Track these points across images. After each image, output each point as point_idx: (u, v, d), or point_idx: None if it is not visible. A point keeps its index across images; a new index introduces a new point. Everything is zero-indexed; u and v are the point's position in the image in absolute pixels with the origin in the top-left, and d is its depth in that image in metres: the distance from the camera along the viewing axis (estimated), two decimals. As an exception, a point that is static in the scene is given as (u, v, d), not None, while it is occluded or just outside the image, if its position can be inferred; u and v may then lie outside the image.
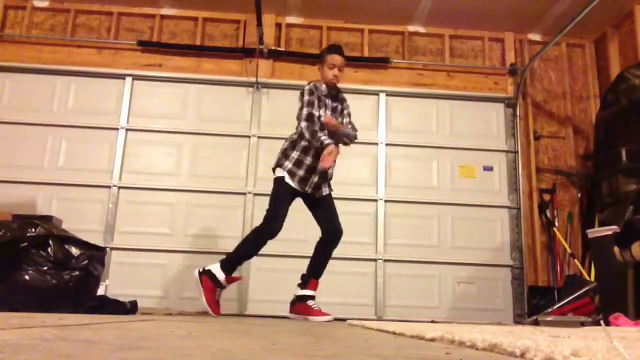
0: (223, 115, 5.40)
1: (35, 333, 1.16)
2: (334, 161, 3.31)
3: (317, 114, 3.44)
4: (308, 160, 3.49)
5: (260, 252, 5.10)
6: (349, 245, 5.17)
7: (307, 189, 3.52)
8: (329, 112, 3.54)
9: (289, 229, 5.03)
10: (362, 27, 5.72)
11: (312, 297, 3.53)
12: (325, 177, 3.62)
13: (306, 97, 3.47)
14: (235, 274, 3.58)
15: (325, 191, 3.63)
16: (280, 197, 3.50)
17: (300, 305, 3.53)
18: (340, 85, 5.35)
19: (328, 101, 3.57)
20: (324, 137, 3.32)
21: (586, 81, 5.78)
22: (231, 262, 3.53)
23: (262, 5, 4.97)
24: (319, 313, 3.46)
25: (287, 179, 3.48)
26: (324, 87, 3.57)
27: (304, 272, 3.62)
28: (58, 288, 2.86)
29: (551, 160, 5.58)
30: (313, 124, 3.39)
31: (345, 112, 3.70)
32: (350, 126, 3.66)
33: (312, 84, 3.57)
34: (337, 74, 3.51)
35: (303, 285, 3.56)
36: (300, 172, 3.48)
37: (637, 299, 3.02)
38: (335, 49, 3.62)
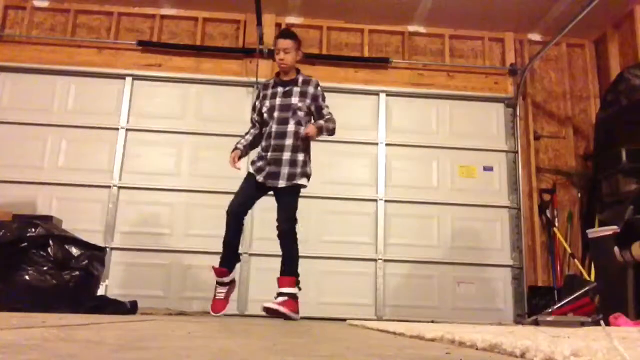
0: (223, 115, 5.40)
1: (35, 333, 1.16)
2: (234, 162, 3.66)
3: (255, 117, 3.75)
4: (262, 151, 3.65)
5: (260, 252, 5.13)
6: (349, 245, 5.18)
7: (259, 178, 3.61)
8: (277, 100, 3.61)
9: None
10: (362, 27, 5.72)
11: (283, 294, 3.60)
12: (280, 167, 3.55)
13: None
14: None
15: (279, 183, 3.57)
16: (243, 181, 3.74)
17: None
18: (340, 85, 5.39)
19: (279, 89, 3.66)
20: (239, 141, 3.73)
21: (586, 81, 5.78)
22: (222, 255, 3.69)
23: (262, 5, 4.97)
24: (280, 305, 3.53)
25: (249, 167, 3.73)
26: (270, 81, 3.76)
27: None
28: (58, 288, 2.86)
29: (551, 160, 5.58)
30: (249, 128, 3.79)
31: (306, 93, 3.63)
32: (323, 119, 3.64)
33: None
34: (282, 57, 3.59)
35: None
36: (258, 163, 3.65)
37: (637, 299, 3.02)
38: (279, 33, 3.76)
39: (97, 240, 4.43)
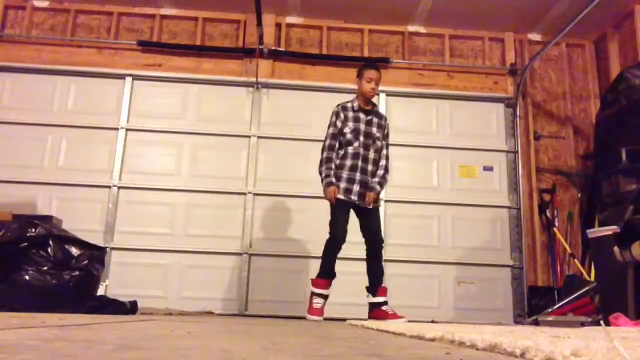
0: (223, 115, 5.40)
1: (35, 333, 1.16)
2: (331, 198, 3.68)
3: (336, 132, 3.80)
4: (349, 171, 3.72)
5: (260, 252, 5.14)
6: (349, 245, 5.16)
7: (352, 197, 3.71)
8: (362, 126, 3.79)
9: (289, 230, 5.05)
10: (362, 27, 5.72)
11: (385, 303, 3.73)
12: (367, 189, 3.73)
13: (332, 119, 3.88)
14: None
15: (369, 205, 3.75)
16: (337, 210, 3.72)
17: (376, 311, 3.73)
18: (340, 85, 5.39)
19: (361, 115, 3.83)
20: (329, 174, 3.70)
21: (586, 81, 5.78)
22: (321, 270, 3.76)
23: (262, 5, 4.97)
24: (394, 316, 3.65)
25: (338, 194, 3.74)
26: (349, 104, 3.87)
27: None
28: (58, 288, 2.86)
29: (551, 160, 5.58)
30: (327, 151, 3.77)
31: (382, 127, 3.88)
32: (381, 161, 3.83)
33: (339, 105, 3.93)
34: (374, 87, 3.81)
35: (373, 294, 3.75)
36: (346, 184, 3.71)
37: (637, 299, 3.02)
38: (372, 64, 3.95)
39: (97, 240, 4.44)
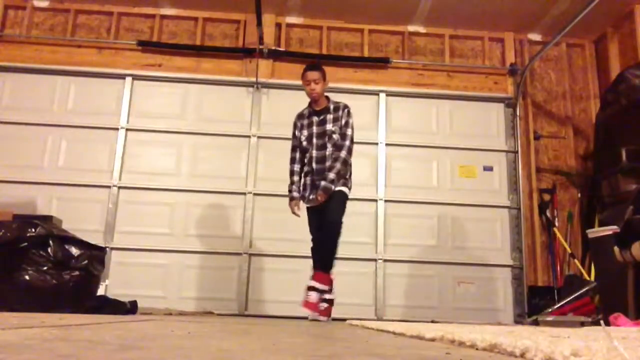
0: (223, 115, 5.40)
1: (35, 333, 1.16)
2: (296, 210, 3.84)
3: (296, 144, 3.90)
4: (306, 176, 3.83)
5: (260, 252, 5.14)
6: (349, 245, 5.16)
7: (311, 204, 3.81)
8: (314, 129, 3.80)
9: (289, 230, 5.05)
10: (362, 27, 5.72)
11: (314, 289, 3.74)
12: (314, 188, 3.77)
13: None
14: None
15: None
16: (308, 215, 3.89)
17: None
18: (340, 85, 5.38)
19: (314, 118, 3.84)
20: (291, 189, 3.83)
21: (586, 81, 5.78)
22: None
23: (262, 5, 4.97)
24: (307, 304, 3.72)
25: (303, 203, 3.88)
26: (305, 111, 3.90)
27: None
28: (58, 288, 2.86)
29: (551, 160, 5.58)
30: (289, 164, 3.90)
31: (338, 118, 3.79)
32: (334, 138, 3.75)
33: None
34: (312, 87, 3.76)
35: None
36: (306, 192, 3.81)
37: (637, 299, 3.02)
38: (307, 66, 3.88)
39: (97, 240, 4.44)
